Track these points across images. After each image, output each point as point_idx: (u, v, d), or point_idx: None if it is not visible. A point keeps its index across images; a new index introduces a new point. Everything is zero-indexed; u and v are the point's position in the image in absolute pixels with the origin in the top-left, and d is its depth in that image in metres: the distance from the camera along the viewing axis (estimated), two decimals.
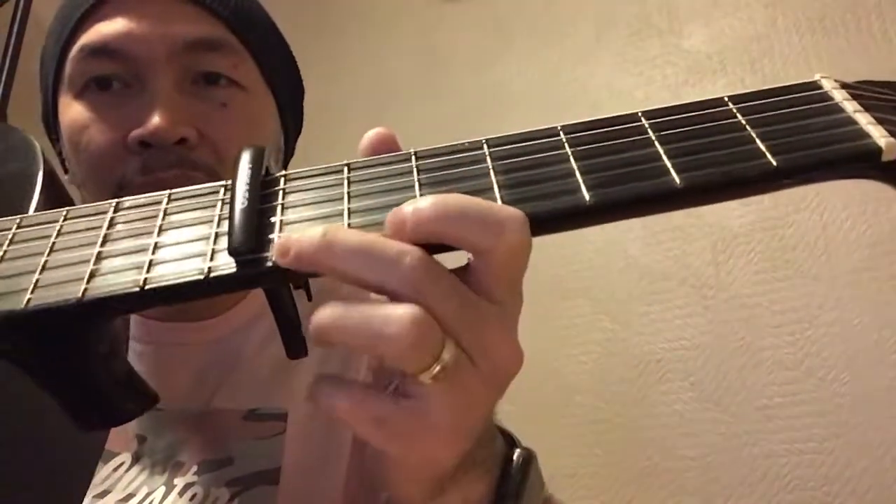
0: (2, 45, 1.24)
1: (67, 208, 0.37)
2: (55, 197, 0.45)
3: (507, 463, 0.42)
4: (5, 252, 0.35)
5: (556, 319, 1.45)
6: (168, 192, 0.37)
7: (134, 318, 0.65)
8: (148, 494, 0.55)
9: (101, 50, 0.55)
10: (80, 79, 0.57)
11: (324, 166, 0.36)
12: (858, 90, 0.35)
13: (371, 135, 0.39)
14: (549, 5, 1.73)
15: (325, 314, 0.30)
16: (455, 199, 0.30)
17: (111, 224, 0.35)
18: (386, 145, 0.39)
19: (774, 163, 0.33)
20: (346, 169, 0.36)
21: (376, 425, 0.30)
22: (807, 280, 1.24)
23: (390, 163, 0.38)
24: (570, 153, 0.35)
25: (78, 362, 0.32)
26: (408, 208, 0.30)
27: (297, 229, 0.32)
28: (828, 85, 0.35)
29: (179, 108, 0.54)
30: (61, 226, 0.36)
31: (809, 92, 0.35)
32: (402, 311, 0.28)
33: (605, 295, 1.44)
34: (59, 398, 0.32)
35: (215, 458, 0.57)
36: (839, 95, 0.34)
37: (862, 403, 1.15)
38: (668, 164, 0.33)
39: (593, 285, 1.45)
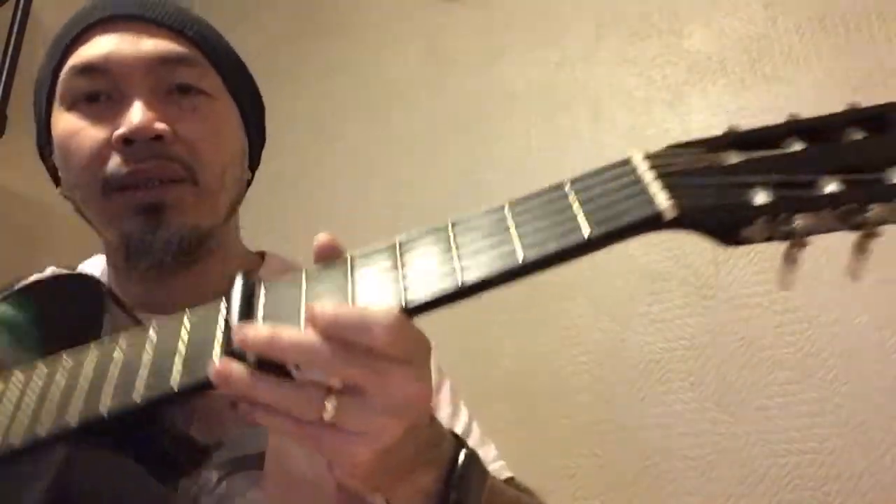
0: (2, 45, 1.24)
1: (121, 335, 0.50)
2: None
3: (454, 461, 0.52)
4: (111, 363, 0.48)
5: (556, 319, 1.45)
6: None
7: (119, 314, 0.70)
8: None
9: (88, 68, 0.66)
10: (70, 94, 0.67)
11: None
12: (660, 158, 0.43)
13: (319, 242, 0.51)
14: (549, 5, 1.73)
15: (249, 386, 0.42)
16: (329, 313, 0.42)
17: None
18: (331, 250, 0.50)
19: (585, 235, 0.42)
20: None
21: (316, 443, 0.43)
22: (807, 280, 1.24)
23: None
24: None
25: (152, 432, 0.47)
26: (312, 311, 0.42)
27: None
28: (636, 159, 0.44)
29: (156, 110, 0.64)
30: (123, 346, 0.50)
31: (623, 167, 0.44)
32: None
33: (605, 295, 1.44)
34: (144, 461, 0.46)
35: (206, 443, 0.59)
36: (643, 167, 0.43)
37: (862, 403, 1.15)
38: (517, 244, 0.44)
39: (593, 285, 1.45)
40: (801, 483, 1.18)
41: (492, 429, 1.47)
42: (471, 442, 0.64)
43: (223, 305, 0.47)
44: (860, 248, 0.40)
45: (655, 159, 0.43)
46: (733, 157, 0.42)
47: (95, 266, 0.79)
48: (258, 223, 1.99)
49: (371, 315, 0.41)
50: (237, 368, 0.42)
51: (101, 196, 0.65)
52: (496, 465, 0.76)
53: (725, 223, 0.40)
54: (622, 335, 1.38)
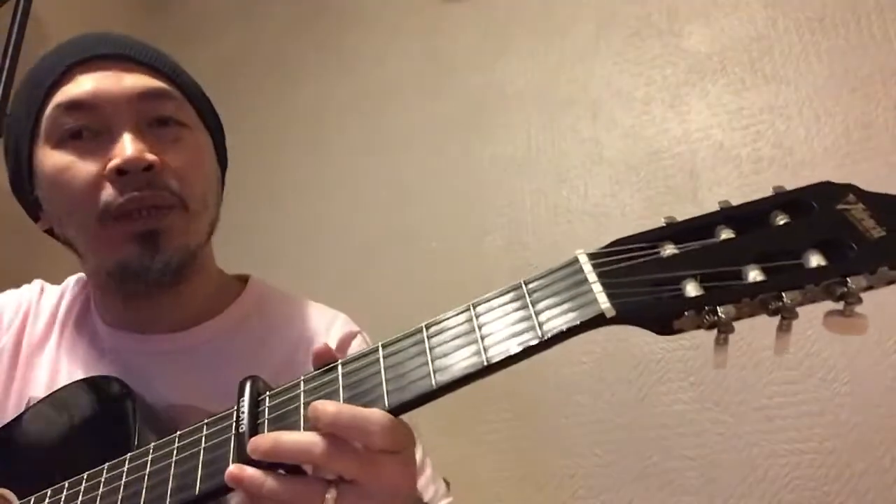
0: (2, 45, 1.24)
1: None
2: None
3: None
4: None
5: None
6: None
7: (110, 333, 0.77)
8: None
9: (75, 105, 0.69)
10: (58, 131, 0.70)
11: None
12: (603, 258, 0.48)
13: (317, 351, 0.55)
14: (549, 5, 1.73)
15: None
16: (330, 413, 0.49)
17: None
18: (328, 357, 0.55)
19: (541, 334, 0.47)
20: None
21: None
22: None
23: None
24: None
25: None
26: (315, 412, 0.49)
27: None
28: (582, 259, 0.49)
29: (144, 142, 0.69)
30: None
31: (571, 267, 0.49)
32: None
33: None
34: None
35: None
36: (587, 268, 0.48)
37: (862, 403, 1.15)
38: (482, 346, 0.49)
39: None
40: (801, 483, 1.18)
41: (492, 429, 1.48)
42: (422, 479, 0.75)
43: (234, 416, 0.54)
44: (783, 329, 0.44)
45: (598, 259, 0.49)
46: (669, 250, 0.47)
47: (80, 284, 0.84)
48: (258, 223, 2.00)
49: (368, 417, 0.48)
50: (249, 471, 0.49)
51: (97, 225, 0.68)
52: (445, 502, 0.79)
53: (659, 318, 0.45)
54: (622, 335, 1.38)
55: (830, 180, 0.47)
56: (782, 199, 0.47)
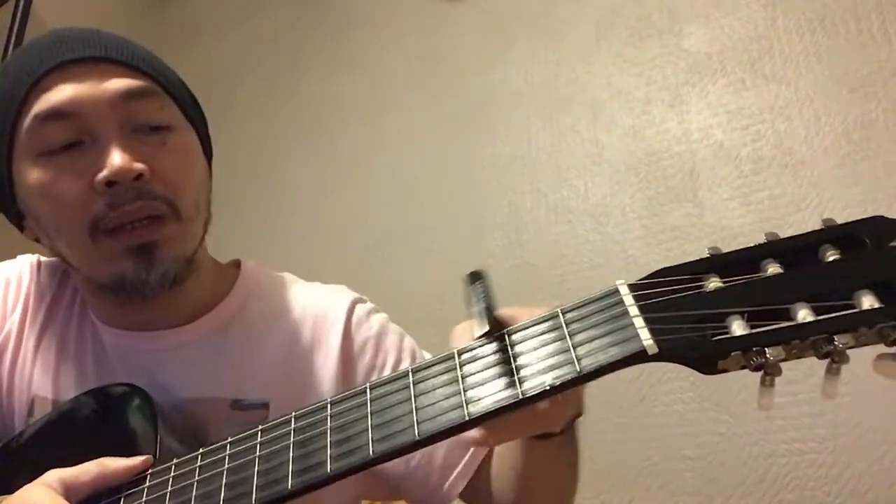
0: (2, 45, 1.25)
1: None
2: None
3: None
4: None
5: None
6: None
7: (109, 331, 0.75)
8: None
9: (54, 114, 0.65)
10: (39, 143, 0.66)
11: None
12: (645, 290, 0.47)
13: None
14: (549, 5, 1.73)
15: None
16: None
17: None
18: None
19: (579, 368, 0.45)
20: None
21: None
22: None
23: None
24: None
25: None
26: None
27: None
28: (623, 291, 0.47)
29: (132, 150, 0.66)
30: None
31: (611, 299, 0.48)
32: None
33: None
34: None
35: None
36: (629, 300, 0.47)
37: (862, 403, 1.15)
38: (516, 377, 0.47)
39: (593, 285, 1.45)
40: (801, 483, 1.18)
41: None
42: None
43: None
44: (832, 372, 0.42)
45: (639, 291, 0.47)
46: (713, 283, 0.45)
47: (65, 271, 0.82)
48: (258, 223, 2.00)
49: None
50: None
51: (88, 241, 0.66)
52: None
53: (703, 357, 0.44)
54: None
55: (883, 215, 0.45)
56: (832, 234, 0.45)
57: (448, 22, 1.89)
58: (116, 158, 0.64)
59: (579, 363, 0.46)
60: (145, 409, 0.66)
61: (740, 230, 1.34)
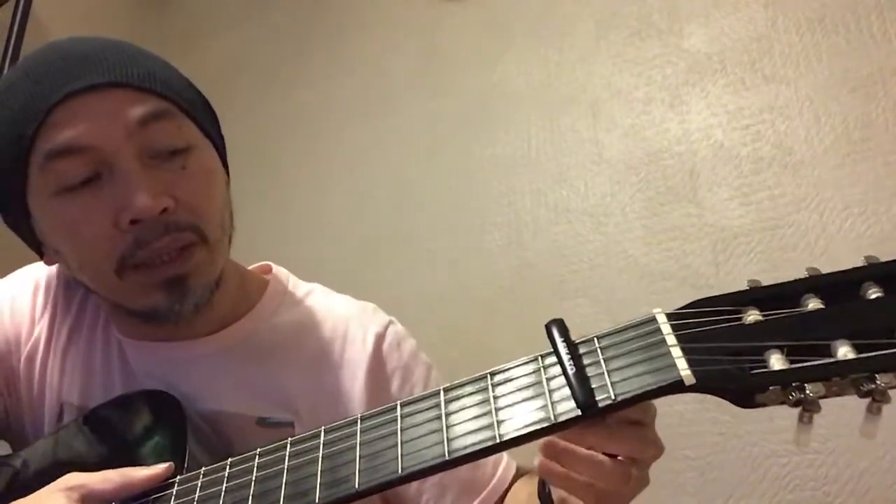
0: (2, 45, 1.24)
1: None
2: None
3: None
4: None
5: None
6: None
7: (131, 343, 0.74)
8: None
9: (67, 151, 0.62)
10: (54, 181, 0.63)
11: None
12: (682, 319, 0.46)
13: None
14: (549, 5, 1.73)
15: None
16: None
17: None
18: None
19: (613, 397, 0.45)
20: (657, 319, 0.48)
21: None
22: None
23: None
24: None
25: None
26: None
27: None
28: (660, 319, 0.47)
29: (154, 183, 0.63)
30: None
31: (648, 326, 0.47)
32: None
33: (605, 295, 1.44)
34: None
35: None
36: (666, 329, 0.46)
37: (862, 403, 1.15)
38: (549, 401, 0.47)
39: (593, 285, 1.45)
40: (801, 483, 1.18)
41: None
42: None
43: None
44: (872, 412, 0.42)
45: (677, 320, 0.46)
46: (752, 316, 0.45)
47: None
48: (258, 223, 2.00)
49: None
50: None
51: (115, 277, 0.64)
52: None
53: (741, 390, 0.43)
54: None
55: None
56: (875, 271, 0.45)
57: (448, 22, 1.89)
58: (140, 197, 0.61)
59: (613, 389, 0.45)
60: (175, 415, 0.65)
61: (740, 230, 1.34)
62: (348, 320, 0.76)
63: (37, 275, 0.79)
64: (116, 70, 0.64)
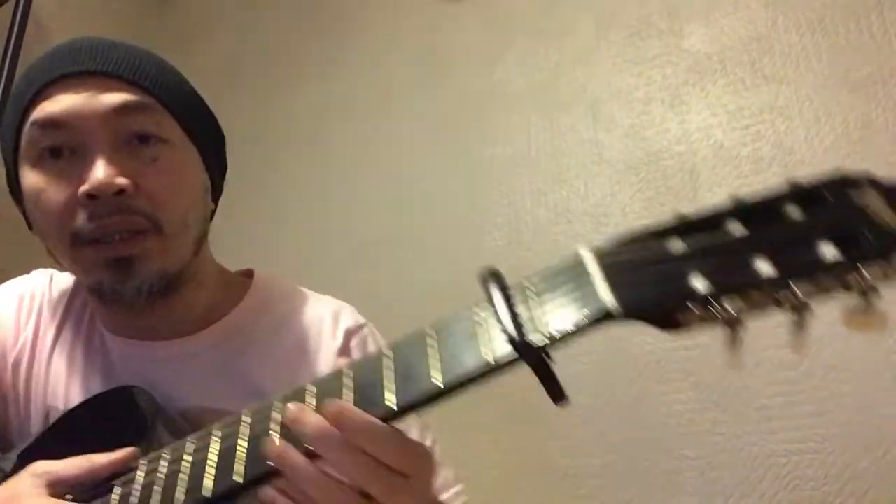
0: (2, 45, 1.25)
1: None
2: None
3: None
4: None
5: None
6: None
7: (115, 340, 0.76)
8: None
9: (48, 123, 0.68)
10: (33, 149, 0.69)
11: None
12: (608, 253, 0.47)
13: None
14: (549, 5, 1.73)
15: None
16: (336, 406, 0.49)
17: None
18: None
19: (547, 335, 0.46)
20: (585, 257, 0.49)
21: None
22: None
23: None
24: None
25: None
26: (326, 406, 0.49)
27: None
28: (586, 256, 0.48)
29: (117, 164, 0.67)
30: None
31: (574, 264, 0.48)
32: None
33: None
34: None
35: None
36: (591, 264, 0.47)
37: (862, 403, 1.15)
38: (490, 346, 0.48)
39: None
40: (801, 483, 1.18)
41: (492, 428, 1.48)
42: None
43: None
44: (797, 324, 0.43)
45: (602, 255, 0.48)
46: (677, 244, 0.46)
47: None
48: (258, 223, 1.99)
49: (370, 419, 0.48)
50: (293, 450, 0.49)
51: (70, 248, 0.68)
52: (454, 490, 0.79)
53: (663, 313, 0.44)
54: (622, 335, 1.38)
55: (845, 169, 0.45)
56: (795, 192, 0.45)
57: (448, 22, 1.89)
58: (99, 172, 0.65)
59: (547, 328, 0.46)
60: (143, 402, 0.67)
61: None
62: (324, 319, 0.79)
63: (20, 288, 0.82)
64: (111, 61, 0.70)
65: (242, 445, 0.53)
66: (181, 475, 0.56)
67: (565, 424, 1.39)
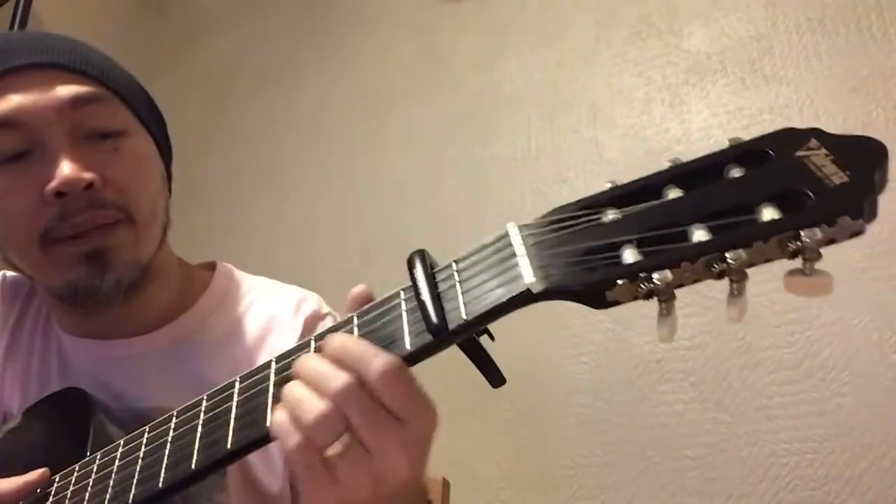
0: None
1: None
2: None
3: None
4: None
5: (556, 319, 1.45)
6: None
7: (71, 340, 0.75)
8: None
9: (1, 123, 0.64)
10: None
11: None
12: (535, 228, 0.45)
13: (354, 292, 0.52)
14: (549, 5, 1.73)
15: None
16: (337, 340, 0.47)
17: None
18: (364, 299, 0.52)
19: (465, 316, 0.44)
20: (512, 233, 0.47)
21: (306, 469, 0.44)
22: None
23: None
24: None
25: None
26: (324, 340, 0.47)
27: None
28: (512, 232, 0.46)
29: (81, 159, 0.64)
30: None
31: (501, 242, 0.47)
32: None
33: None
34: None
35: None
36: (517, 241, 0.45)
37: (862, 403, 1.15)
38: (406, 334, 0.47)
39: None
40: (801, 483, 1.18)
41: (492, 428, 1.48)
42: None
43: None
44: (734, 293, 0.39)
45: (530, 231, 0.45)
46: (611, 215, 0.42)
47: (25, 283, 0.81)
48: (257, 223, 1.99)
49: (373, 351, 0.45)
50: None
51: (38, 251, 0.65)
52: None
53: (590, 290, 0.41)
54: (622, 335, 1.38)
55: (792, 126, 0.41)
56: (737, 151, 0.42)
57: (448, 22, 1.89)
58: (65, 168, 0.63)
59: (466, 309, 0.44)
60: (82, 408, 0.65)
61: None
62: (284, 310, 0.78)
63: None
64: (54, 52, 0.67)
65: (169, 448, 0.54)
66: (120, 476, 0.56)
67: (565, 425, 1.39)
